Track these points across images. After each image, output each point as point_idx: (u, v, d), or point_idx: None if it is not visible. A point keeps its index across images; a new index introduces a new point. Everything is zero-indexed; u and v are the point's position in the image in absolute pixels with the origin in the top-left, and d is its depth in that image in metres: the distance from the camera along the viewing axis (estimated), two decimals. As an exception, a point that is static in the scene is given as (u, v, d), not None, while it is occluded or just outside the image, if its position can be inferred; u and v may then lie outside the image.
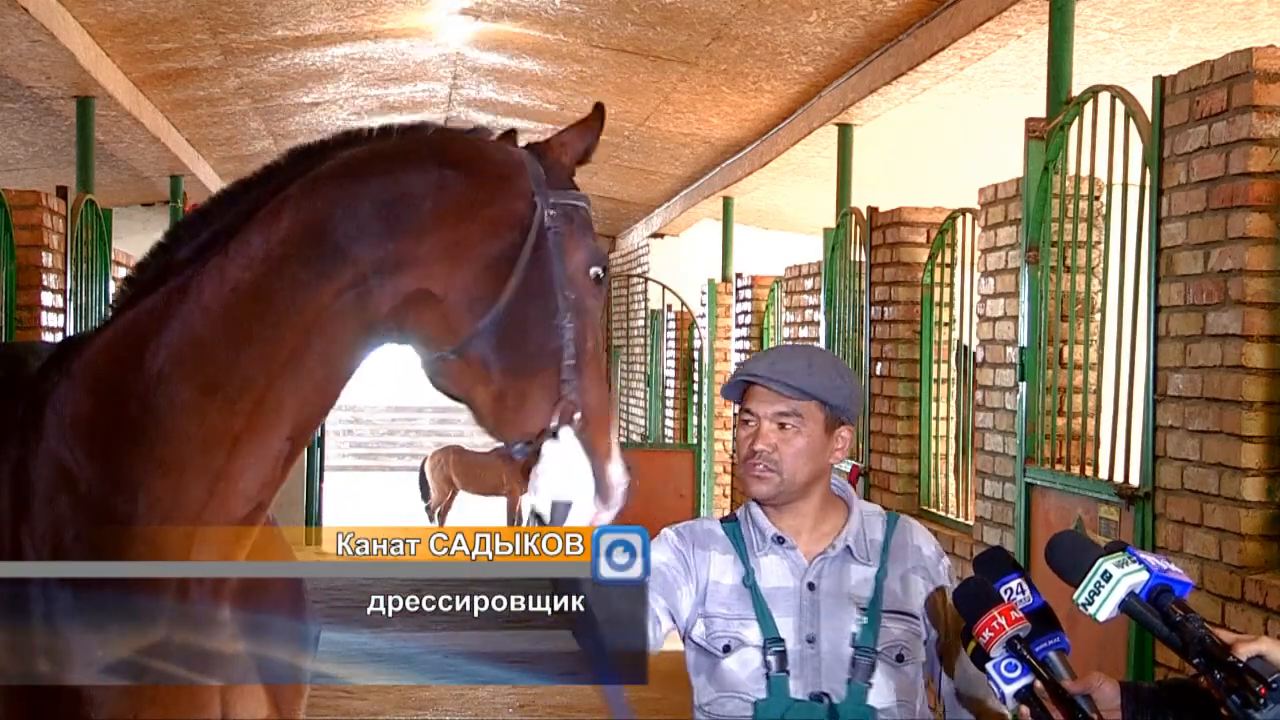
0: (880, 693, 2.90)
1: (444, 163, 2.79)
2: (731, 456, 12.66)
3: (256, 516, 2.82)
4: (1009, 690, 2.41)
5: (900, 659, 2.93)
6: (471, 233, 2.76)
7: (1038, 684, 2.39)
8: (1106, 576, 2.26)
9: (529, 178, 2.82)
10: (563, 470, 2.78)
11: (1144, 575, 2.27)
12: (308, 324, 2.71)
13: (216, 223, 2.83)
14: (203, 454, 2.71)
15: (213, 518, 2.75)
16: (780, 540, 2.99)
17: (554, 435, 2.75)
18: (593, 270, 2.85)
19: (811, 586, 2.96)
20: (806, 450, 2.99)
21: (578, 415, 2.75)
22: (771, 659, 2.89)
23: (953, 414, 7.73)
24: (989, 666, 2.44)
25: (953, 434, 7.72)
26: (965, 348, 7.40)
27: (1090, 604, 2.28)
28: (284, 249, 2.70)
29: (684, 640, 3.04)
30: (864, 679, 2.89)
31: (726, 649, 2.92)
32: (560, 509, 2.78)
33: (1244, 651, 2.13)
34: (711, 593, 2.98)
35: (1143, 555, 2.30)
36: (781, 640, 2.90)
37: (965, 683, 3.00)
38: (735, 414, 3.12)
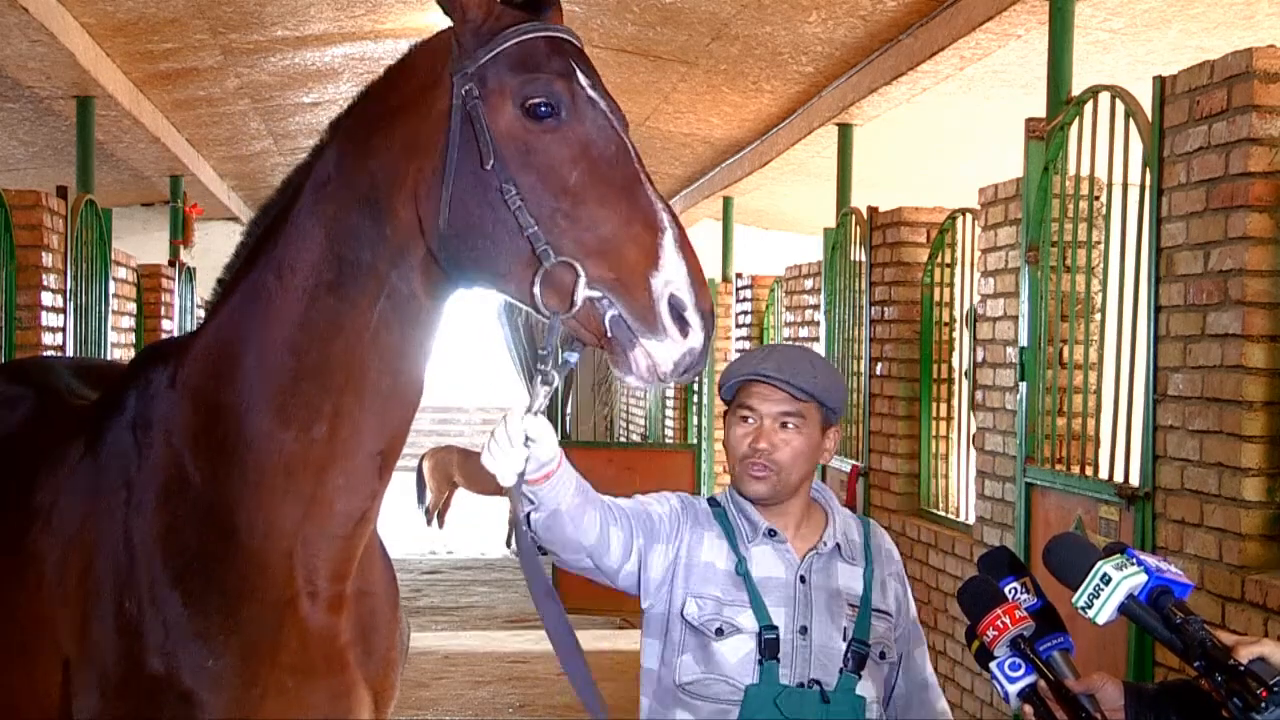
0: (865, 685, 2.98)
1: (383, 117, 2.64)
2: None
3: (362, 530, 2.80)
4: (1012, 689, 2.42)
5: (883, 655, 3.04)
6: (429, 165, 2.56)
7: (1041, 683, 2.40)
8: (1106, 579, 2.26)
9: (449, 63, 2.58)
10: (503, 448, 2.58)
11: (1143, 577, 2.26)
12: (356, 344, 2.67)
13: (267, 224, 2.82)
14: (288, 479, 2.71)
15: (313, 536, 2.74)
16: (773, 533, 3.05)
17: (588, 303, 2.42)
18: (528, 105, 2.50)
19: (803, 580, 3.02)
20: (805, 451, 3.05)
21: (580, 273, 2.41)
22: (765, 646, 2.94)
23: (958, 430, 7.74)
24: (993, 666, 2.44)
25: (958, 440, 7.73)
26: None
27: (1089, 607, 2.27)
28: (314, 278, 2.68)
29: (644, 608, 3.06)
30: (855, 670, 2.97)
31: (720, 632, 2.97)
32: (515, 484, 2.64)
33: (1245, 654, 2.12)
34: (705, 574, 3.02)
35: (1142, 557, 2.29)
36: (775, 628, 2.96)
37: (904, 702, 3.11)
38: (728, 410, 3.13)
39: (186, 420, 2.81)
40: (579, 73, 2.54)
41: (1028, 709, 2.40)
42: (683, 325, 2.40)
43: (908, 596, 3.16)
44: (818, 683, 2.94)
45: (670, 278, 2.39)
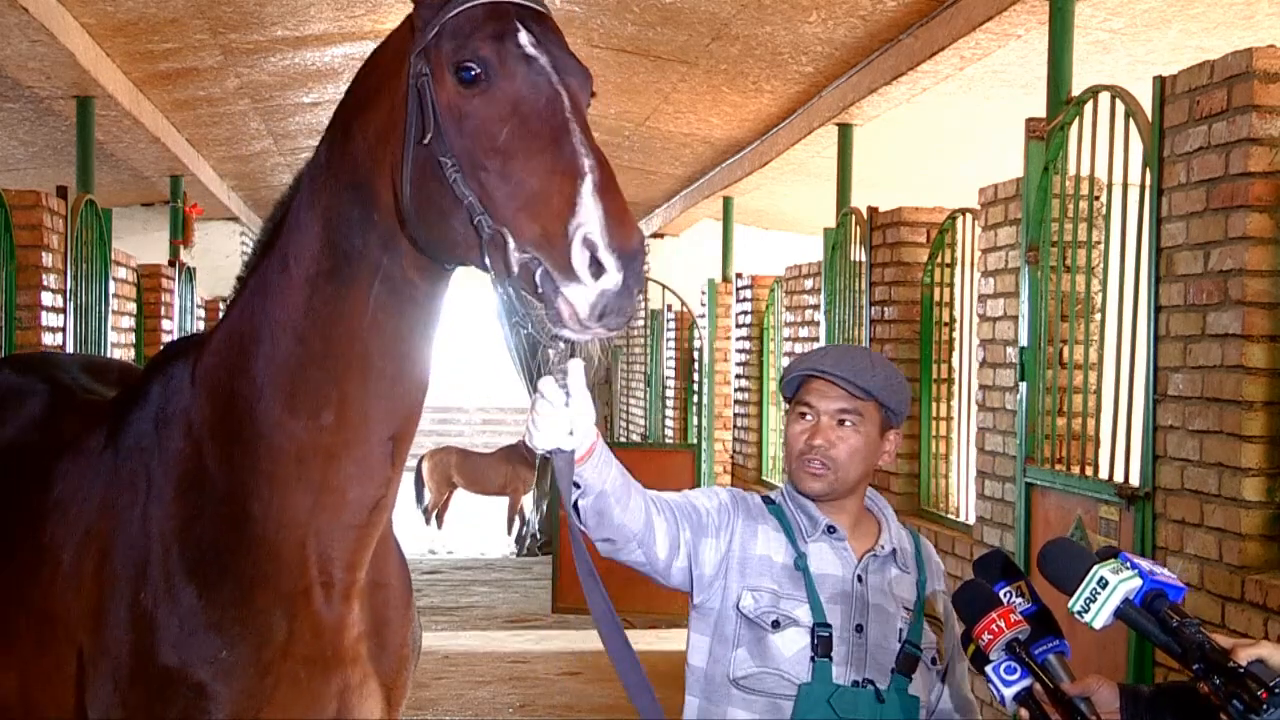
0: (915, 687, 2.97)
1: (360, 104, 2.68)
2: (733, 456, 12.65)
3: (377, 518, 2.81)
4: (1008, 693, 2.42)
5: (934, 661, 3.04)
6: (397, 147, 2.57)
7: (1037, 687, 2.39)
8: (1103, 583, 2.25)
9: (410, 44, 2.57)
10: (551, 415, 2.54)
11: (1138, 581, 2.25)
12: (356, 330, 2.69)
13: (275, 220, 2.87)
14: (299, 468, 2.73)
15: (326, 525, 2.76)
16: (832, 530, 3.05)
17: (523, 267, 2.36)
18: (459, 71, 2.47)
19: (860, 579, 3.02)
20: (862, 450, 3.05)
21: (509, 239, 2.36)
22: (818, 643, 2.93)
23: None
24: (988, 669, 2.44)
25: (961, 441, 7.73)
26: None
27: (1086, 611, 2.27)
28: (314, 266, 2.71)
29: (694, 603, 3.05)
30: (907, 672, 2.96)
31: (776, 624, 2.95)
32: (560, 457, 2.59)
33: (1244, 656, 2.12)
34: (761, 567, 3.01)
35: (1136, 560, 2.29)
36: (829, 626, 2.94)
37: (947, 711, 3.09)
38: (789, 408, 3.12)
39: (205, 412, 2.85)
40: (518, 31, 2.48)
41: (1024, 712, 2.40)
42: (597, 268, 2.30)
43: (951, 610, 3.15)
44: (871, 682, 2.93)
45: (582, 221, 2.29)
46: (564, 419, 2.54)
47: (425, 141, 2.46)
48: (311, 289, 2.71)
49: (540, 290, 2.34)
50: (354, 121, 2.68)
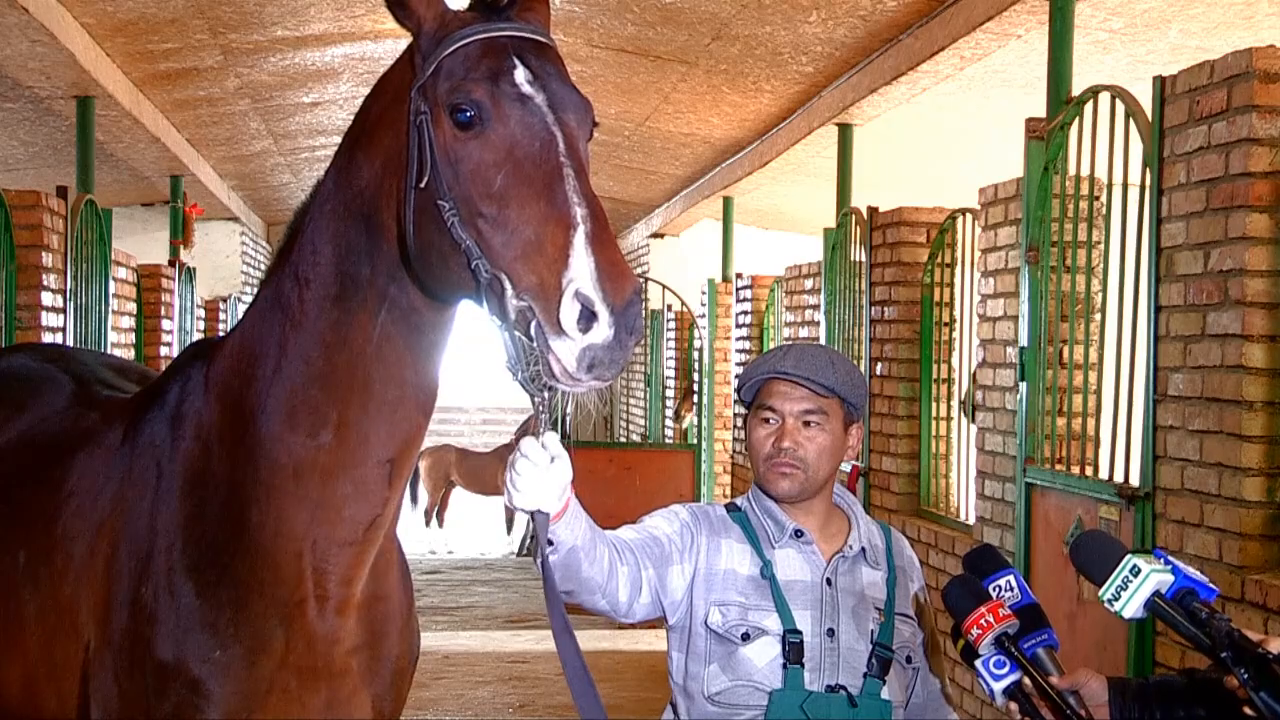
0: (890, 689, 2.95)
1: (365, 133, 2.68)
2: (733, 456, 12.65)
3: (373, 536, 2.81)
4: (997, 687, 2.42)
5: (909, 660, 3.01)
6: (401, 182, 2.57)
7: (1025, 680, 2.40)
8: (1135, 571, 2.26)
9: (410, 82, 2.57)
10: (534, 475, 2.52)
11: (1171, 577, 2.26)
12: (360, 354, 2.69)
13: (293, 228, 2.88)
14: (296, 483, 2.74)
15: (323, 540, 2.76)
16: (799, 534, 3.03)
17: (519, 313, 2.37)
18: (454, 114, 2.46)
19: (829, 582, 3.00)
20: (829, 447, 3.04)
21: (507, 285, 2.38)
22: (789, 650, 2.90)
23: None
24: (978, 664, 2.45)
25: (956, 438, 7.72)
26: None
27: (1117, 599, 2.27)
28: (322, 290, 2.72)
29: (669, 624, 3.03)
30: (879, 675, 2.94)
31: (745, 637, 2.93)
32: (538, 516, 2.56)
33: (1275, 646, 2.14)
34: (726, 581, 2.99)
35: (1171, 559, 2.30)
36: (799, 632, 2.92)
37: (919, 708, 3.07)
38: (750, 412, 3.10)
39: (214, 416, 2.88)
40: (514, 69, 2.47)
41: (1013, 706, 2.40)
42: (587, 322, 2.31)
43: (929, 605, 3.14)
44: (844, 687, 2.91)
45: (574, 275, 2.30)
46: (546, 479, 2.53)
47: (423, 185, 2.47)
48: (319, 310, 2.72)
49: (534, 342, 2.36)
50: (358, 150, 2.69)
